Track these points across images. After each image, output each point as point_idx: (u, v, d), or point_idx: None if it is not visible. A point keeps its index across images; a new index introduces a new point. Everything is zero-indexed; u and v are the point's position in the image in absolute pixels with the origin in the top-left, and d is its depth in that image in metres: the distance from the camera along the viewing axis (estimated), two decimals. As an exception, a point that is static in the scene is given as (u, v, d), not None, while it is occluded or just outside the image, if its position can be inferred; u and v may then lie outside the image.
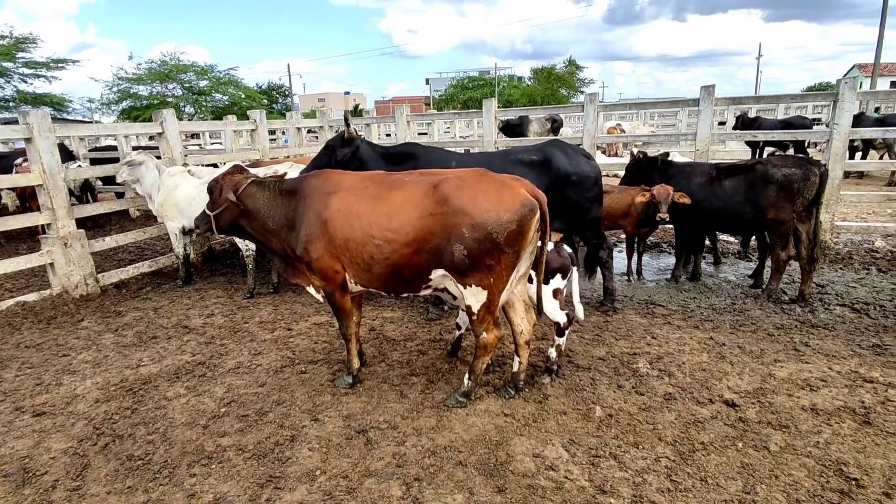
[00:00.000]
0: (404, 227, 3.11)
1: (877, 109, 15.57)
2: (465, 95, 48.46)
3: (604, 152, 14.04)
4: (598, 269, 5.08)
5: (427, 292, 3.44)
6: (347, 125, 4.67)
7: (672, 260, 6.27)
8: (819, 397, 3.38)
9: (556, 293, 3.66)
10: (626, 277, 6.04)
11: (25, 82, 23.79)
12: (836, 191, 6.38)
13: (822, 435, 3.00)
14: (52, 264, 5.66)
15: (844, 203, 7.39)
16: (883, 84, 41.06)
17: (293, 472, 2.86)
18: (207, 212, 3.67)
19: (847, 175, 11.24)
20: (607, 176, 9.51)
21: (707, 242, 6.51)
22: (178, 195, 5.85)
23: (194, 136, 18.90)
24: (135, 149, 10.72)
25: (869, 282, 5.57)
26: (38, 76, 23.90)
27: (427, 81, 71.50)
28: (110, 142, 12.54)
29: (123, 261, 7.51)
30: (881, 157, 11.52)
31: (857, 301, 4.98)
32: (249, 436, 3.20)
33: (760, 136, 9.51)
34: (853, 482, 2.62)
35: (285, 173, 4.36)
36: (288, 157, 8.50)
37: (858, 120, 9.92)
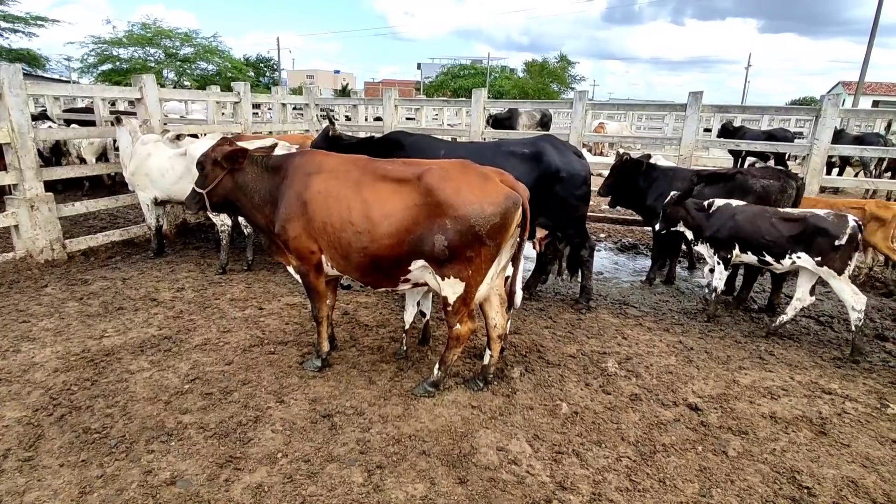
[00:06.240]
0: (386, 218, 3.06)
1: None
2: (455, 83, 48.04)
3: (590, 150, 14.10)
4: (579, 267, 5.09)
5: (406, 287, 3.40)
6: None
7: (648, 262, 6.33)
8: (779, 406, 3.46)
9: None
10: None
11: (2, 36, 22.87)
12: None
13: (779, 442, 3.07)
14: (16, 227, 5.46)
15: (818, 217, 7.53)
16: (865, 102, 41.97)
17: (254, 453, 2.82)
18: (198, 189, 3.51)
19: (823, 190, 11.50)
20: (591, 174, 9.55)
21: (683, 247, 6.59)
22: (150, 165, 5.67)
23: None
24: (112, 113, 10.39)
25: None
26: (16, 31, 22.97)
27: (419, 66, 70.77)
28: (87, 103, 12.12)
29: (94, 228, 7.29)
30: (856, 175, 11.79)
31: (823, 314, 5.11)
32: (212, 414, 3.14)
33: (743, 145, 9.61)
34: (805, 490, 2.69)
35: (275, 144, 4.26)
36: (271, 132, 8.32)
37: (838, 137, 10.11)
